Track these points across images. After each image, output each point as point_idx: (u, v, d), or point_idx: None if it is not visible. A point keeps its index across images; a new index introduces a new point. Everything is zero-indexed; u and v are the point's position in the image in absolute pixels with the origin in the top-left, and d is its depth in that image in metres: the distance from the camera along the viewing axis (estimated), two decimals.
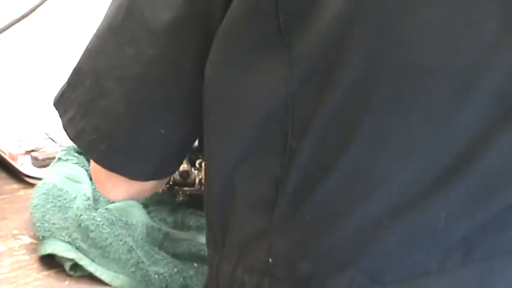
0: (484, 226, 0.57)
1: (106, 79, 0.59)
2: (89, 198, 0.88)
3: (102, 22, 0.61)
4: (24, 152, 1.05)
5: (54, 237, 0.84)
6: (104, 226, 0.85)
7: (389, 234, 0.55)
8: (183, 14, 0.55)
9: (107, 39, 0.59)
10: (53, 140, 1.08)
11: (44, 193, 0.88)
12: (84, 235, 0.84)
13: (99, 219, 0.85)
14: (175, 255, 0.87)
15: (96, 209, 0.87)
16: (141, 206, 0.92)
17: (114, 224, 0.85)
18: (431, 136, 0.53)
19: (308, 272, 0.58)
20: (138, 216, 0.89)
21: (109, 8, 0.60)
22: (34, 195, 0.89)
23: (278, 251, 0.58)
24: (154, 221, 0.91)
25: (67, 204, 0.87)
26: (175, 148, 0.63)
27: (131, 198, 0.75)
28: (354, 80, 0.52)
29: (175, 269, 0.84)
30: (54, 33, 1.23)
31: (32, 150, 1.06)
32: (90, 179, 0.92)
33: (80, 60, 0.62)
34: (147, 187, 0.66)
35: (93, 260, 0.84)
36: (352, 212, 0.55)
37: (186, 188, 0.90)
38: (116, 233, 0.85)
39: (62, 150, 0.96)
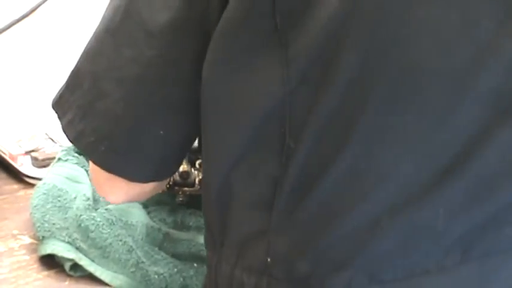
0: (482, 224, 0.57)
1: (104, 81, 0.59)
2: (88, 199, 0.88)
3: (99, 24, 0.60)
4: (24, 152, 1.05)
5: (54, 237, 0.84)
6: (104, 226, 0.85)
7: (388, 233, 0.56)
8: (181, 15, 0.55)
9: (105, 41, 0.59)
10: (52, 140, 1.08)
11: (44, 193, 0.88)
12: (84, 235, 0.84)
13: (99, 219, 0.85)
14: (175, 256, 0.87)
15: (96, 209, 0.87)
16: (141, 206, 0.92)
17: (114, 224, 0.85)
18: (427, 135, 0.53)
19: (307, 271, 0.58)
20: (138, 216, 0.89)
21: (106, 10, 0.60)
22: (34, 195, 0.89)
23: (276, 250, 0.58)
24: (154, 221, 0.91)
25: (67, 205, 0.87)
26: (174, 149, 0.63)
27: (131, 201, 0.75)
28: (349, 80, 0.52)
29: (175, 269, 0.84)
30: (54, 33, 1.23)
31: (32, 151, 1.06)
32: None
33: (78, 62, 0.62)
34: (146, 189, 0.66)
35: (93, 260, 0.84)
36: (350, 212, 0.55)
37: (185, 188, 0.90)
38: (116, 233, 0.85)
39: (62, 151, 0.97)
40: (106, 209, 0.86)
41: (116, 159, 0.62)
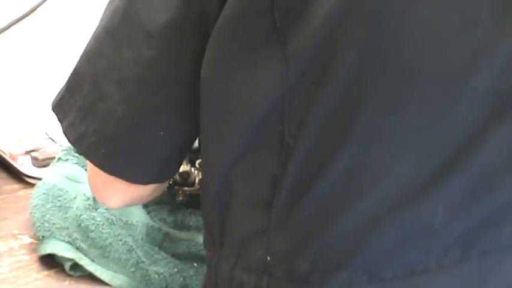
0: (482, 223, 0.57)
1: (104, 82, 0.59)
2: (88, 198, 0.88)
3: (98, 26, 0.60)
4: (24, 152, 1.05)
5: (54, 237, 0.84)
6: (104, 226, 0.85)
7: (387, 232, 0.56)
8: (179, 14, 0.55)
9: (104, 42, 0.59)
10: (53, 140, 1.09)
11: (44, 193, 0.88)
12: (84, 235, 0.84)
13: (99, 219, 0.85)
14: (175, 255, 0.87)
15: (96, 209, 0.87)
16: (140, 206, 0.92)
17: (114, 224, 0.85)
18: (425, 134, 0.53)
19: (307, 270, 0.58)
20: (138, 216, 0.89)
21: (104, 12, 0.60)
22: (34, 195, 0.89)
23: (276, 249, 0.58)
24: (154, 221, 0.91)
25: (67, 204, 0.87)
26: (175, 149, 0.63)
27: (129, 205, 0.75)
28: (347, 79, 0.52)
29: (175, 269, 0.84)
30: (54, 33, 1.23)
31: (32, 150, 1.06)
32: None
33: (78, 64, 0.62)
34: (145, 193, 0.66)
35: (93, 260, 0.84)
36: (349, 210, 0.55)
37: (186, 188, 0.90)
38: (116, 233, 0.85)
39: (62, 150, 0.97)
40: (106, 209, 0.86)
41: (117, 161, 0.62)
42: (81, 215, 0.85)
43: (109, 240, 0.84)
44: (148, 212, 0.92)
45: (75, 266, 0.84)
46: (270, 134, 0.55)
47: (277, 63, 0.53)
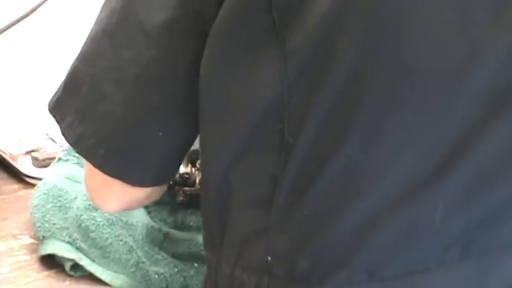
0: (482, 221, 0.57)
1: (103, 83, 0.59)
2: None
3: (94, 27, 0.60)
4: (24, 152, 1.05)
5: (55, 237, 0.84)
6: (104, 226, 0.85)
7: (387, 230, 0.56)
8: (178, 14, 0.55)
9: (102, 43, 0.59)
10: (53, 140, 1.09)
11: (44, 193, 0.88)
12: (84, 235, 0.84)
13: (99, 219, 0.85)
14: (176, 255, 0.87)
15: (97, 209, 0.87)
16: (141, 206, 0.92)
17: (114, 224, 0.85)
18: (423, 132, 0.53)
19: (307, 269, 0.58)
20: (138, 216, 0.89)
21: (100, 12, 0.60)
22: (34, 195, 0.89)
23: (277, 248, 0.58)
24: (155, 221, 0.91)
25: (67, 205, 0.87)
26: (174, 149, 0.63)
27: (126, 209, 0.75)
28: (345, 78, 0.52)
29: (176, 269, 0.84)
30: (55, 33, 1.23)
31: (32, 151, 1.06)
32: None
33: (74, 65, 0.61)
34: (142, 196, 0.65)
35: (93, 260, 0.84)
36: (349, 208, 0.55)
37: (186, 188, 0.90)
38: (116, 233, 0.85)
39: (63, 151, 0.97)
40: None
41: (116, 162, 0.61)
42: (81, 215, 0.85)
43: (109, 241, 0.84)
44: (149, 212, 0.92)
45: (76, 266, 0.84)
46: (270, 132, 0.55)
47: (276, 62, 0.53)
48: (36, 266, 0.85)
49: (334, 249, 0.57)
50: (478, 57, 0.52)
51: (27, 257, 0.86)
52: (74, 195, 0.89)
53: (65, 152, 0.96)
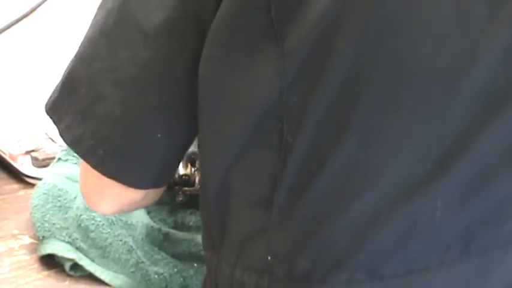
0: (481, 219, 0.57)
1: (101, 83, 0.58)
2: None
3: (90, 28, 0.60)
4: (24, 152, 1.05)
5: (54, 237, 0.84)
6: (104, 226, 0.85)
7: (386, 228, 0.56)
8: (176, 14, 0.55)
9: (99, 43, 0.59)
10: (52, 140, 1.08)
11: (44, 193, 0.88)
12: (84, 235, 0.84)
13: (99, 219, 0.85)
14: (175, 256, 0.87)
15: None
16: None
17: (114, 224, 0.85)
18: (422, 131, 0.53)
19: (307, 268, 0.58)
20: (138, 216, 0.89)
21: (97, 14, 0.60)
22: (34, 195, 0.89)
23: (277, 248, 0.58)
24: (154, 221, 0.91)
25: (67, 204, 0.87)
26: (173, 150, 0.63)
27: (121, 212, 0.74)
28: (343, 77, 0.52)
29: (175, 269, 0.84)
30: (55, 33, 1.23)
31: (32, 151, 1.06)
32: None
33: (71, 66, 0.61)
34: (138, 198, 0.65)
35: (93, 260, 0.84)
36: (349, 207, 0.55)
37: (186, 188, 0.90)
38: (116, 233, 0.85)
39: (62, 151, 0.97)
40: None
41: (115, 163, 0.61)
42: (81, 215, 0.85)
43: (109, 241, 0.84)
44: (148, 212, 0.92)
45: (75, 266, 0.84)
46: (268, 132, 0.55)
47: (275, 61, 0.53)
48: (36, 265, 0.85)
49: (334, 249, 0.57)
50: (477, 56, 0.52)
51: (27, 257, 0.86)
52: (73, 195, 0.89)
53: (64, 152, 0.96)
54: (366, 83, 0.52)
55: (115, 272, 0.83)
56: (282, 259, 0.59)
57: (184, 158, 0.89)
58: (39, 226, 0.85)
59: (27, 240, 0.89)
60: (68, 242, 0.84)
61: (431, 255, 0.57)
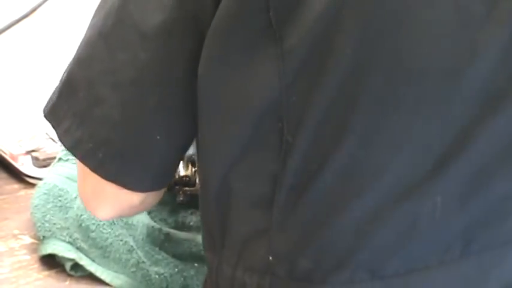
0: (481, 218, 0.57)
1: (100, 86, 0.58)
2: None
3: (88, 30, 0.60)
4: (24, 152, 1.05)
5: (55, 237, 0.84)
6: (105, 226, 0.85)
7: (387, 228, 0.56)
8: (174, 15, 0.55)
9: (98, 46, 0.58)
10: (53, 140, 1.08)
11: (45, 193, 0.88)
12: (84, 235, 0.84)
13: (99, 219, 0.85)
14: (176, 256, 0.87)
15: None
16: None
17: (114, 224, 0.85)
18: (422, 129, 0.54)
19: (309, 268, 0.58)
20: (139, 216, 0.89)
21: (94, 16, 0.60)
22: (35, 195, 0.89)
23: (278, 248, 0.58)
24: (155, 221, 0.91)
25: (68, 204, 0.87)
26: (172, 151, 0.62)
27: (120, 217, 0.74)
28: (343, 75, 0.52)
29: (176, 269, 0.84)
30: (55, 33, 1.23)
31: (33, 150, 1.06)
32: None
33: (69, 69, 0.61)
34: (136, 203, 0.65)
35: (93, 260, 0.84)
36: (348, 207, 0.55)
37: (186, 188, 0.90)
38: (117, 233, 0.85)
39: (63, 150, 0.96)
40: None
41: (114, 165, 0.61)
42: (81, 215, 0.85)
43: (110, 241, 0.84)
44: (149, 213, 0.92)
45: (76, 266, 0.84)
46: (269, 132, 0.55)
47: (274, 61, 0.53)
48: (37, 265, 0.85)
49: (335, 248, 0.57)
50: (476, 56, 0.52)
51: (28, 257, 0.86)
52: (74, 195, 0.88)
53: (65, 152, 0.96)
54: (366, 82, 0.52)
55: (115, 272, 0.83)
56: (283, 259, 0.59)
57: (185, 158, 0.89)
58: (39, 226, 0.85)
59: (28, 240, 0.89)
60: (69, 242, 0.84)
61: (432, 255, 0.57)
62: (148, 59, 0.57)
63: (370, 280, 0.57)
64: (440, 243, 0.57)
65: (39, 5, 1.20)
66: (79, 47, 0.61)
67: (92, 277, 0.83)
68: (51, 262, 0.85)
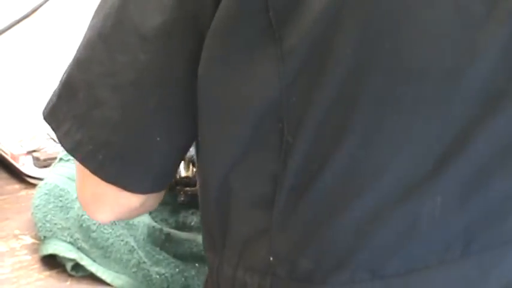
0: (481, 218, 0.57)
1: (99, 88, 0.58)
2: None
3: (87, 32, 0.60)
4: (25, 152, 1.05)
5: (56, 237, 0.84)
6: (106, 226, 0.85)
7: (387, 228, 0.56)
8: (174, 16, 0.55)
9: (97, 48, 0.58)
10: (54, 140, 1.08)
11: (46, 193, 0.88)
12: (85, 235, 0.84)
13: None
14: (177, 256, 0.87)
15: None
16: None
17: (115, 224, 0.85)
18: (422, 129, 0.54)
19: (309, 268, 0.58)
20: (140, 216, 0.89)
21: (94, 18, 0.60)
22: (35, 195, 0.89)
23: (279, 249, 0.58)
24: (156, 221, 0.91)
25: (68, 205, 0.87)
26: (173, 153, 0.62)
27: (119, 219, 0.74)
28: (343, 76, 0.52)
29: (177, 269, 0.84)
30: (56, 33, 1.23)
31: (34, 151, 1.06)
32: None
33: (69, 71, 0.61)
34: (136, 205, 0.65)
35: (94, 260, 0.84)
36: (349, 207, 0.56)
37: (187, 188, 0.90)
38: (118, 233, 0.85)
39: (64, 151, 0.96)
40: None
41: (115, 167, 0.61)
42: (82, 215, 0.85)
43: (110, 241, 0.84)
44: (150, 213, 0.92)
45: (77, 266, 0.84)
46: (269, 132, 0.55)
47: (274, 61, 0.53)
48: (38, 266, 0.85)
49: (336, 249, 0.57)
50: (476, 56, 0.52)
51: (29, 257, 0.86)
52: (75, 195, 0.88)
53: (66, 152, 0.96)
54: (366, 82, 0.52)
55: (116, 272, 0.83)
56: (284, 259, 0.59)
57: (186, 159, 0.89)
58: (40, 226, 0.85)
59: (29, 240, 0.89)
60: (70, 242, 0.84)
61: (432, 254, 0.57)
62: (149, 61, 0.56)
63: (371, 280, 0.57)
64: (441, 243, 0.57)
65: (40, 5, 1.20)
66: (78, 48, 0.60)
67: (92, 277, 0.83)
68: (52, 262, 0.85)
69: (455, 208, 0.56)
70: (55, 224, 0.85)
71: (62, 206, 0.87)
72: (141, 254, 0.84)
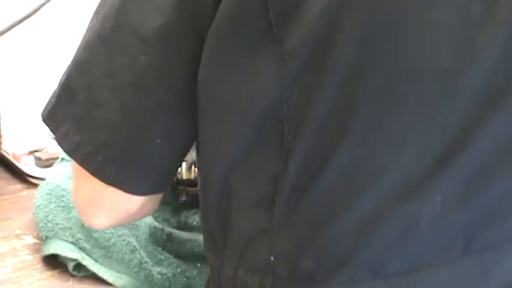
0: (482, 217, 0.57)
1: (99, 90, 0.58)
2: None
3: (86, 34, 0.60)
4: (27, 152, 1.05)
5: (58, 237, 0.84)
6: None
7: (388, 227, 0.56)
8: (174, 17, 0.55)
9: (96, 49, 0.58)
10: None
11: (47, 193, 0.88)
12: (87, 235, 0.84)
13: None
14: (179, 256, 0.87)
15: None
16: None
17: None
18: (422, 129, 0.54)
19: (310, 268, 0.58)
20: None
21: (93, 19, 0.59)
22: (37, 195, 0.89)
23: (280, 249, 0.58)
24: (158, 221, 0.91)
25: (70, 205, 0.87)
26: (172, 154, 0.62)
27: (116, 225, 0.73)
28: (343, 76, 0.52)
29: (179, 269, 0.84)
30: (58, 33, 1.23)
31: (35, 151, 1.06)
32: None
33: (68, 73, 0.61)
34: (133, 210, 0.64)
35: (96, 260, 0.84)
36: (350, 207, 0.55)
37: (189, 188, 0.90)
38: (119, 233, 0.85)
39: None
40: None
41: (114, 169, 0.60)
42: None
43: (112, 241, 0.84)
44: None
45: (79, 266, 0.84)
46: (269, 133, 0.55)
47: (274, 63, 0.53)
48: (39, 266, 0.85)
49: (337, 248, 0.57)
50: (476, 55, 0.52)
51: (30, 257, 0.86)
52: None
53: None
54: (366, 83, 0.52)
55: (118, 272, 0.83)
56: (285, 259, 0.59)
57: (188, 163, 0.89)
58: (42, 226, 0.85)
59: (31, 240, 0.89)
60: (71, 242, 0.84)
61: (432, 254, 0.57)
62: (148, 62, 0.56)
63: (372, 280, 0.57)
64: (441, 243, 0.57)
65: (42, 5, 1.20)
66: (77, 49, 0.60)
67: (94, 277, 0.83)
68: (53, 262, 0.85)
69: (456, 207, 0.56)
70: (57, 224, 0.85)
71: (63, 206, 0.87)
72: (143, 254, 0.84)
